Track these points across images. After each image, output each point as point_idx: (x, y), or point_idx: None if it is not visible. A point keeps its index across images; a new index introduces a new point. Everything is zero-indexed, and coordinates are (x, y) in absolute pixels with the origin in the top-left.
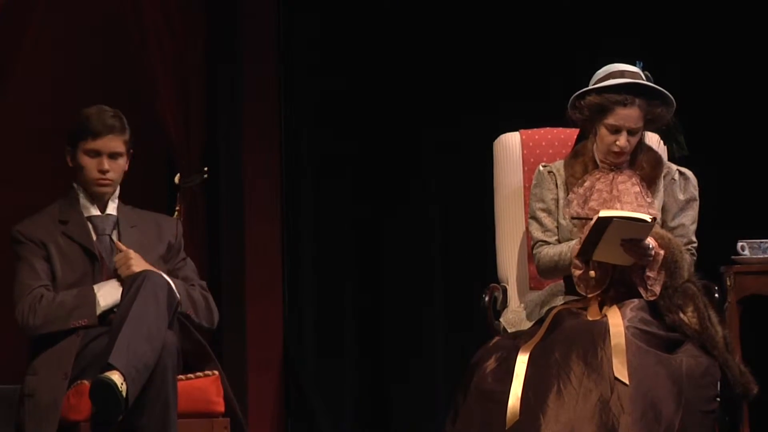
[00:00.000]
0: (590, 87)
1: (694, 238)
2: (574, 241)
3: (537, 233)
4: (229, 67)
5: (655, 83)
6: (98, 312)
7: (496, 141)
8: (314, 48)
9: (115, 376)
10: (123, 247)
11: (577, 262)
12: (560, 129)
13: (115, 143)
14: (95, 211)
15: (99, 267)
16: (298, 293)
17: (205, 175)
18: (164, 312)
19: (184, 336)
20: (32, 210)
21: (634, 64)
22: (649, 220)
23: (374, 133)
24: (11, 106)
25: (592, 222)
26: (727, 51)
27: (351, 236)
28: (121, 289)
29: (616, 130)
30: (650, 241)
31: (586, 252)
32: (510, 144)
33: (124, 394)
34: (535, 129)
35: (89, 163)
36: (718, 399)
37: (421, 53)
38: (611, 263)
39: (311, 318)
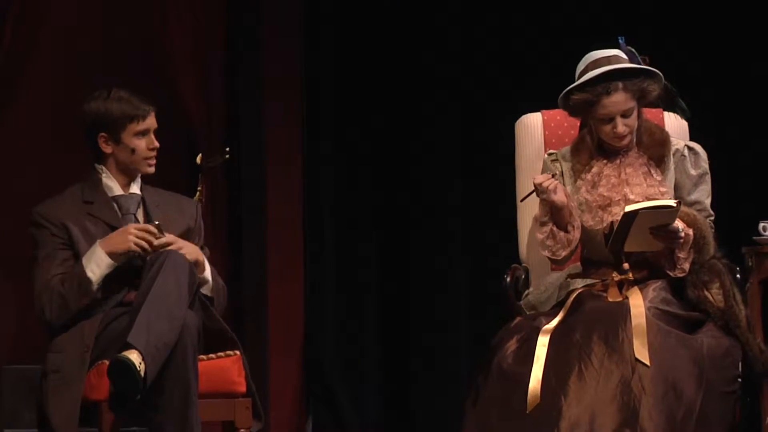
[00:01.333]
0: (570, 86)
1: (711, 212)
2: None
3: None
4: (250, 44)
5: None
6: (95, 287)
7: (517, 121)
8: (338, 22)
9: (134, 356)
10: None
11: (544, 228)
12: None
13: (154, 120)
14: (119, 191)
15: None
16: (320, 274)
17: (227, 156)
18: (185, 292)
19: (207, 317)
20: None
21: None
22: (675, 205)
23: (397, 112)
24: (34, 87)
25: (619, 218)
26: (743, 23)
27: (373, 217)
28: (104, 254)
29: (609, 119)
30: (678, 224)
31: (616, 245)
32: (532, 124)
33: (142, 373)
34: (556, 109)
35: (140, 144)
36: (740, 380)
37: (446, 29)
38: (642, 251)
39: (332, 299)
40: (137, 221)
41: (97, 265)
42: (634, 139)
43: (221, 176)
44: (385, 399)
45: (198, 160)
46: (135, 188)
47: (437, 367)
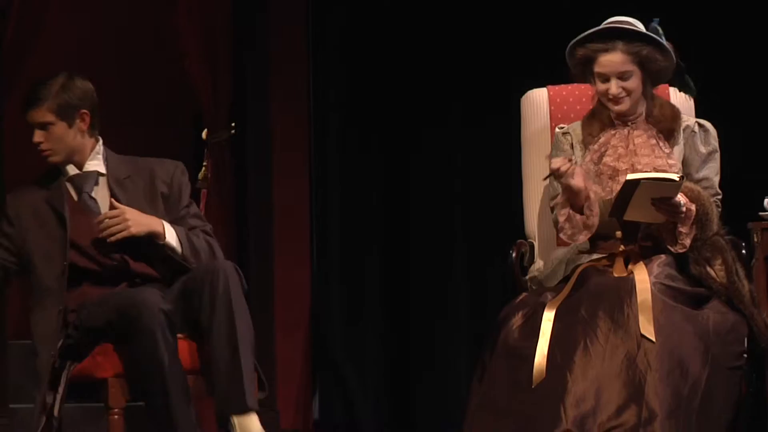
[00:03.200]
0: (574, 40)
1: (718, 190)
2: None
3: (555, 195)
4: (256, 17)
5: (672, 37)
6: None
7: (523, 97)
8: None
9: (254, 421)
10: (118, 205)
11: (562, 210)
12: (588, 85)
13: (39, 114)
14: (74, 170)
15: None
16: (326, 253)
17: (233, 131)
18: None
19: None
20: None
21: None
22: (677, 179)
23: (403, 87)
24: (37, 64)
25: (621, 185)
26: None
27: (379, 195)
28: None
29: (605, 79)
30: (680, 198)
31: (617, 213)
32: (537, 100)
33: None
34: (562, 85)
35: (33, 135)
36: (745, 355)
37: (453, 6)
38: (642, 221)
39: (338, 278)
40: (94, 201)
41: None
42: (644, 112)
43: (227, 151)
44: (391, 376)
45: (204, 135)
46: (93, 165)
47: (443, 341)
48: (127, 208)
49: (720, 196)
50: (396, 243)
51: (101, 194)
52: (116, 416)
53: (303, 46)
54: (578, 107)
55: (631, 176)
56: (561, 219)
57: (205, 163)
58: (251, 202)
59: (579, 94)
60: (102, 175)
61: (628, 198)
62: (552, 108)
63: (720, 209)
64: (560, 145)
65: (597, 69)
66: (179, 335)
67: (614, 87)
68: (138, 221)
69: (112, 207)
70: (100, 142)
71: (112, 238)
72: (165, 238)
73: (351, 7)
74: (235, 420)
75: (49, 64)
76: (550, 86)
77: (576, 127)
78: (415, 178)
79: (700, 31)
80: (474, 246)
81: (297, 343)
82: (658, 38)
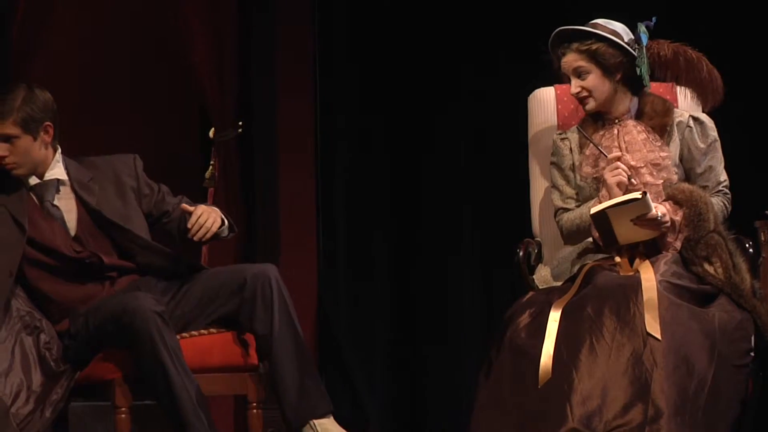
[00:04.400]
0: (545, 47)
1: (723, 177)
2: (592, 201)
3: (557, 201)
4: (262, 16)
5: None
6: None
7: (530, 95)
8: None
9: (331, 423)
10: (190, 209)
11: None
12: None
13: (4, 127)
14: (35, 180)
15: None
16: (333, 247)
17: (240, 130)
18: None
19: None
20: None
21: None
22: (639, 197)
23: (410, 87)
24: (47, 64)
25: (590, 221)
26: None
27: (385, 191)
28: None
29: (568, 79)
30: (657, 211)
31: (609, 243)
32: (544, 99)
33: None
34: (569, 84)
35: None
36: (752, 353)
37: (461, 5)
38: (636, 241)
39: (345, 276)
40: (57, 208)
41: None
42: (631, 109)
43: (234, 150)
44: (397, 370)
45: (211, 134)
46: (54, 172)
47: (450, 336)
48: (198, 206)
49: (726, 183)
50: (403, 242)
51: (64, 201)
52: (123, 415)
53: (309, 45)
54: None
55: (593, 209)
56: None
57: (212, 162)
58: (258, 200)
59: None
60: (62, 183)
61: (608, 227)
62: (559, 107)
63: (729, 195)
64: (560, 150)
65: (562, 71)
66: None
67: (573, 86)
68: (210, 215)
69: (187, 213)
70: (59, 150)
71: (204, 237)
72: (225, 224)
73: (357, 5)
74: (317, 424)
75: (55, 65)
76: (557, 85)
77: (574, 131)
78: (422, 175)
79: (703, 30)
80: (482, 244)
81: (304, 336)
82: (605, 34)
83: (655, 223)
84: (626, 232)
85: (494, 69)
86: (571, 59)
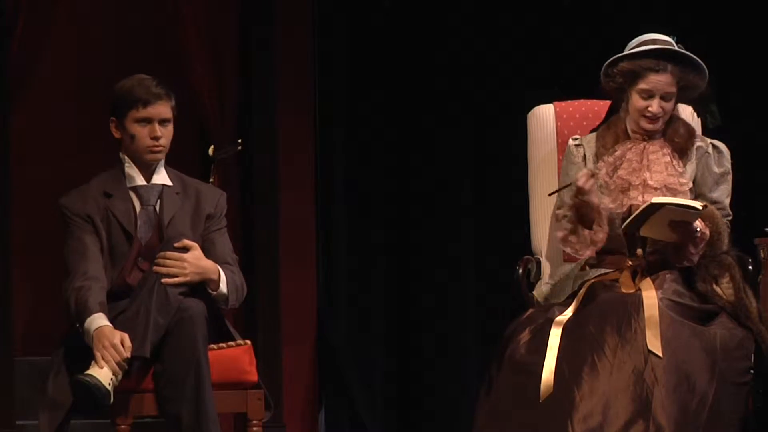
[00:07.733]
0: (622, 53)
1: (729, 211)
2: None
3: (558, 210)
4: (263, 34)
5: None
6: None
7: (530, 113)
8: (350, 10)
9: None
10: (187, 244)
11: (565, 223)
12: (594, 101)
13: (164, 109)
14: (141, 182)
15: (134, 245)
16: (332, 265)
17: (240, 147)
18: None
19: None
20: (78, 182)
21: (669, 36)
22: (700, 208)
23: (410, 104)
24: (45, 78)
25: (644, 205)
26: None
27: (386, 209)
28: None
29: (648, 96)
30: (698, 224)
31: (631, 228)
32: (544, 116)
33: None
34: (569, 101)
35: (141, 132)
36: (752, 371)
37: (459, 20)
38: (653, 238)
39: (345, 289)
40: (156, 212)
41: (86, 331)
42: (661, 129)
43: (234, 167)
44: (398, 387)
45: (210, 151)
46: (158, 178)
47: (450, 354)
48: (191, 251)
49: (730, 218)
50: (403, 256)
51: (160, 207)
52: None
53: (309, 61)
54: (585, 123)
55: (656, 199)
56: (562, 233)
57: (211, 179)
58: (257, 218)
59: (585, 110)
60: (167, 187)
61: (646, 217)
62: (558, 124)
63: (730, 230)
64: (572, 157)
65: (643, 85)
66: None
67: (656, 105)
68: (196, 266)
69: (178, 245)
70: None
71: (166, 280)
72: (219, 287)
73: (357, 19)
74: None
75: (52, 78)
76: (556, 102)
77: (590, 140)
78: (422, 191)
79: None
80: (482, 261)
81: (303, 357)
82: (702, 64)
83: (689, 233)
84: (657, 228)
85: (497, 82)
86: (666, 80)
